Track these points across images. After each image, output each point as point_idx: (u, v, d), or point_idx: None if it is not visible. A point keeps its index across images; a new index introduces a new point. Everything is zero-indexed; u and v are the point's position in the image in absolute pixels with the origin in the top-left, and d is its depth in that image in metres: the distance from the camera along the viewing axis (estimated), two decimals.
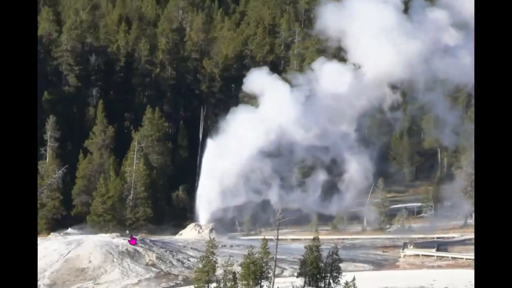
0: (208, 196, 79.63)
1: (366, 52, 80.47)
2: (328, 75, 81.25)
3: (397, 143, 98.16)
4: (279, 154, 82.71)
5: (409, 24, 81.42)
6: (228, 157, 79.08)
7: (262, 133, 79.09)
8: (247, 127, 79.25)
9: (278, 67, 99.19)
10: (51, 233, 75.24)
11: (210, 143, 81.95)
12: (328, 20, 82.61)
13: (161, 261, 67.79)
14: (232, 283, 47.06)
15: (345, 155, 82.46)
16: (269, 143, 79.39)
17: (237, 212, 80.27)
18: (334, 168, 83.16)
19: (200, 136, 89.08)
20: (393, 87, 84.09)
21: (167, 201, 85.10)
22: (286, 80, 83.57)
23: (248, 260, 47.10)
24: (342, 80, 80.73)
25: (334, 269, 49.54)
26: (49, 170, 79.93)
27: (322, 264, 49.41)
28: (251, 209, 79.84)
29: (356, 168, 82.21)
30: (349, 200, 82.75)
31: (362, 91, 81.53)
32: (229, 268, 47.59)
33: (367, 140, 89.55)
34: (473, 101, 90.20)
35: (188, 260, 68.67)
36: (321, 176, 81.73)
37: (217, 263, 48.46)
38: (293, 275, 57.34)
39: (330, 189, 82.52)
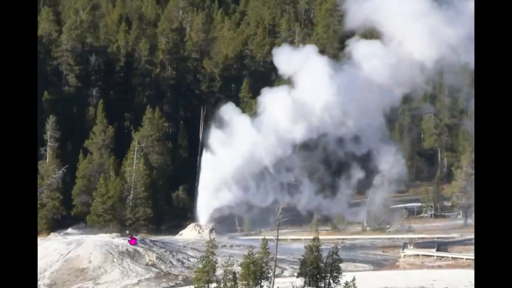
0: (213, 193, 78.12)
1: (400, 41, 78.49)
2: (366, 59, 78.77)
3: (397, 143, 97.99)
4: (311, 148, 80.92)
5: (442, 13, 78.83)
6: (251, 145, 76.75)
7: (294, 122, 76.47)
8: (278, 112, 76.77)
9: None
10: (51, 233, 75.23)
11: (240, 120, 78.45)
12: (358, 14, 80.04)
13: (161, 261, 67.79)
14: (232, 283, 47.08)
15: (380, 152, 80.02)
16: (301, 134, 77.08)
17: (260, 214, 77.31)
18: (367, 167, 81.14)
19: (200, 136, 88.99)
20: (426, 79, 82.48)
21: (167, 201, 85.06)
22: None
23: (248, 260, 47.13)
24: (378, 67, 78.10)
25: (334, 269, 49.56)
26: (49, 170, 79.91)
27: (322, 264, 49.44)
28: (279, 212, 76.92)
29: (390, 168, 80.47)
30: (379, 204, 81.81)
31: (396, 80, 78.73)
32: (229, 268, 47.62)
33: (400, 135, 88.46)
34: (473, 101, 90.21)
35: (188, 260, 68.66)
36: (355, 176, 79.85)
37: (217, 263, 48.48)
38: (293, 275, 57.36)
39: (360, 191, 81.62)
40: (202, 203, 79.60)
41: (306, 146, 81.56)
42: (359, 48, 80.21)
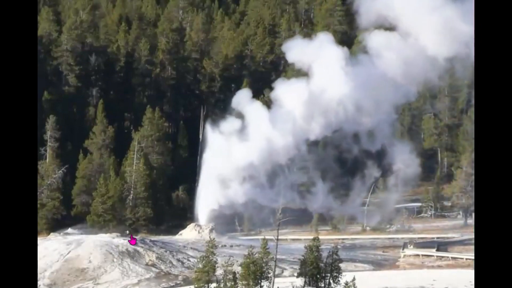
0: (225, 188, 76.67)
1: (414, 36, 76.60)
2: (381, 51, 76.58)
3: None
4: (324, 145, 78.77)
5: (457, 7, 76.15)
6: (262, 141, 74.17)
7: (310, 117, 73.98)
8: (294, 106, 74.34)
9: (278, 67, 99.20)
10: (51, 233, 75.23)
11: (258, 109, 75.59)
12: (371, 10, 77.51)
13: (161, 261, 67.79)
14: (232, 283, 47.07)
15: (394, 150, 78.05)
16: (317, 130, 75.03)
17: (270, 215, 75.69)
18: (380, 166, 79.45)
19: (200, 136, 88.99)
20: (438, 74, 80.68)
21: (167, 201, 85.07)
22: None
23: (248, 260, 47.11)
24: (393, 60, 75.78)
25: (334, 269, 49.53)
26: (49, 170, 79.94)
27: (322, 264, 49.41)
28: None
29: (405, 167, 78.58)
30: (393, 207, 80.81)
31: (410, 75, 76.56)
32: (229, 268, 47.60)
33: (400, 135, 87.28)
34: (473, 101, 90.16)
35: (188, 260, 68.66)
36: (370, 175, 78.23)
37: (217, 263, 48.46)
38: (293, 275, 57.33)
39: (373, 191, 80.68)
40: (203, 200, 79.17)
41: (320, 144, 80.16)
42: (374, 39, 78.24)
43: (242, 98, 78.56)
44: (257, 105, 78.28)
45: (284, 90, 77.61)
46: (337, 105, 75.96)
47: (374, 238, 79.99)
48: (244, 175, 76.46)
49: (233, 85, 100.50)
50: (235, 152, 76.04)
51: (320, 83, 76.22)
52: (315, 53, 78.13)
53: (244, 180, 76.63)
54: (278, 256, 51.51)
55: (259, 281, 47.22)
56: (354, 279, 47.14)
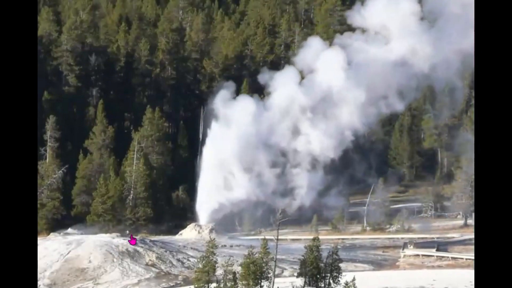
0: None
1: None
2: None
3: (397, 143, 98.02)
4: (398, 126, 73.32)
5: None
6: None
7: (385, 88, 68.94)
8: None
9: (278, 67, 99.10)
10: (51, 233, 75.25)
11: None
12: None
13: (161, 261, 67.79)
14: (232, 283, 47.09)
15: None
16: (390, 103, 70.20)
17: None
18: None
19: (200, 136, 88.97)
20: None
21: (167, 201, 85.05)
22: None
23: (248, 260, 47.14)
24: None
25: (334, 269, 49.57)
26: (49, 170, 79.95)
27: (322, 264, 49.46)
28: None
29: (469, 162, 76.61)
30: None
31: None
32: (229, 268, 47.63)
33: (400, 135, 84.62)
34: (473, 101, 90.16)
35: (188, 260, 68.67)
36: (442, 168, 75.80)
37: (217, 263, 48.49)
38: (293, 275, 57.34)
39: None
40: (204, 199, 79.09)
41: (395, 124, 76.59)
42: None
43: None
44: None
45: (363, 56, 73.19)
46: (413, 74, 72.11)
47: (374, 238, 79.98)
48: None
49: None
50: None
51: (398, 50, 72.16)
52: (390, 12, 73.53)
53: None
54: (278, 256, 51.52)
55: (259, 281, 47.24)
56: (354, 279, 47.16)
